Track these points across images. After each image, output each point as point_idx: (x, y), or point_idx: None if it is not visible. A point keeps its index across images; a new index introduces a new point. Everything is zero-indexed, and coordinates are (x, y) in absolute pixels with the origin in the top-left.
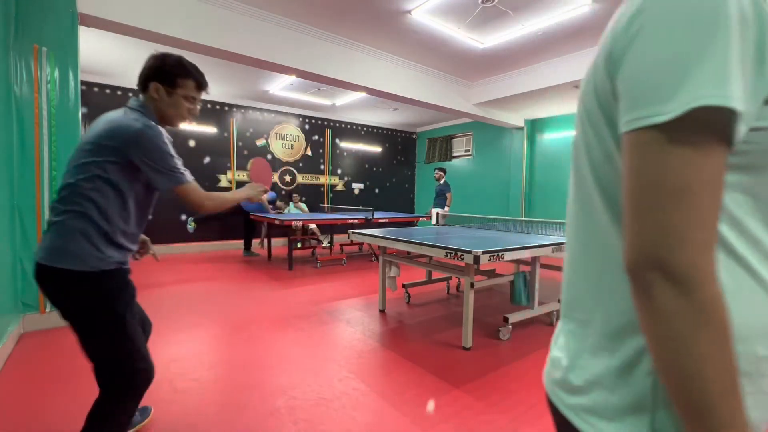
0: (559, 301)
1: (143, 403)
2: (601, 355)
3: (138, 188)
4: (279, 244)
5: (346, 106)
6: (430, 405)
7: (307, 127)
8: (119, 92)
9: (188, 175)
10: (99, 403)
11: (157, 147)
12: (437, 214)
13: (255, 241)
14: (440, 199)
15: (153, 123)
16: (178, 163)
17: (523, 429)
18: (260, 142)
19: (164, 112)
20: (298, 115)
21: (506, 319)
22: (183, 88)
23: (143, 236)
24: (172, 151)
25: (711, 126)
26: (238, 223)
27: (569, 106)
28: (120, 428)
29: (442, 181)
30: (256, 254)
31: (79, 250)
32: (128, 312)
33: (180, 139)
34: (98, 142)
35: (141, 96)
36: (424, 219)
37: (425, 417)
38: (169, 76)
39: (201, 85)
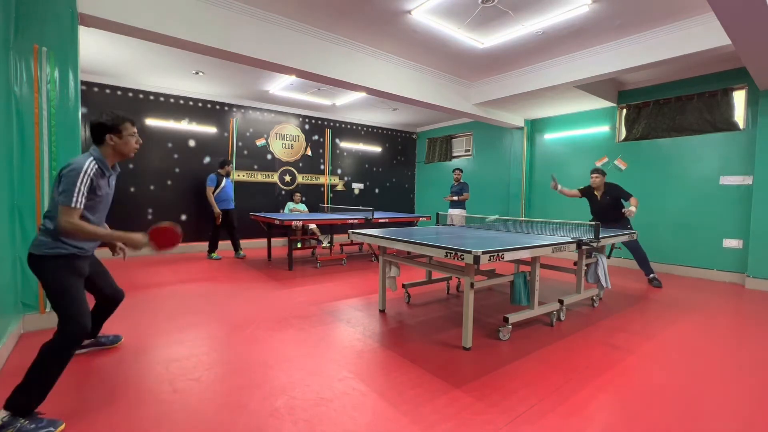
0: (559, 300)
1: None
2: None
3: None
4: (279, 244)
5: (346, 106)
6: None
7: (307, 127)
8: (119, 92)
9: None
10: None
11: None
12: (452, 216)
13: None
14: (458, 201)
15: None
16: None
17: (523, 429)
18: (260, 142)
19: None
20: (298, 115)
21: (506, 319)
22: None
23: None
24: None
25: None
26: (239, 224)
27: (569, 106)
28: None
29: (461, 180)
30: (218, 257)
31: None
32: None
33: (180, 139)
34: None
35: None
36: (425, 219)
37: (425, 417)
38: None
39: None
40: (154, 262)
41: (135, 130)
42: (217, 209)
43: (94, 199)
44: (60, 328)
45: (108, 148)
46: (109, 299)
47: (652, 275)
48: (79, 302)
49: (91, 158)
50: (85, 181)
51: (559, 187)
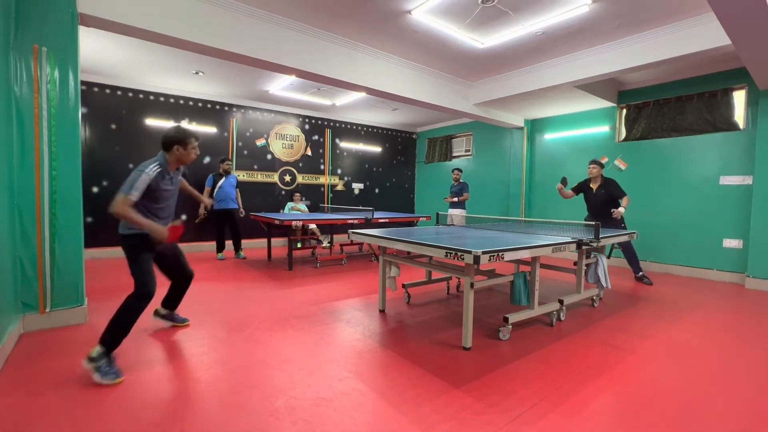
0: (559, 300)
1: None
2: None
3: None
4: (279, 244)
5: (346, 106)
6: None
7: (307, 127)
8: (119, 92)
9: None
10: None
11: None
12: (452, 216)
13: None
14: (458, 201)
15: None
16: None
17: (523, 429)
18: (260, 142)
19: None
20: (298, 115)
21: (506, 319)
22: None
23: None
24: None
25: None
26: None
27: (569, 106)
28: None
29: (461, 180)
30: (222, 257)
31: None
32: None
33: None
34: None
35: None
36: (425, 219)
37: (425, 417)
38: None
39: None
40: None
41: (196, 144)
42: (205, 203)
43: (155, 193)
44: (134, 288)
45: (173, 155)
46: (179, 275)
47: (641, 273)
48: (147, 271)
49: (157, 163)
50: (144, 180)
51: (564, 189)
